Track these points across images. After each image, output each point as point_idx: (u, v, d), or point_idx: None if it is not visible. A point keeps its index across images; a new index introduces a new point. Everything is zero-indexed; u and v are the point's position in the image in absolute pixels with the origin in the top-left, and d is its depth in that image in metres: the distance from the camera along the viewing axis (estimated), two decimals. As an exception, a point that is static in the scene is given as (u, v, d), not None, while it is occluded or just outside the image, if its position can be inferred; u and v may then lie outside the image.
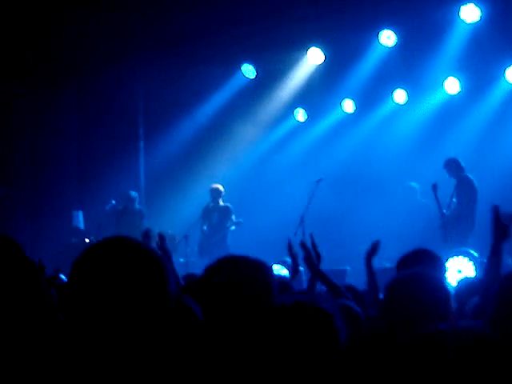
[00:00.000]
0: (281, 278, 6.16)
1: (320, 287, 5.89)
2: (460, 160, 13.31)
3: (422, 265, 3.91)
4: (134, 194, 15.73)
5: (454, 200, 13.10)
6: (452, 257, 12.02)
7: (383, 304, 3.60)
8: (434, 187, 12.89)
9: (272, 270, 3.48)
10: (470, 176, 13.14)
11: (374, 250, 5.85)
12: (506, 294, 3.44)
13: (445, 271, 5.35)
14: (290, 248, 6.23)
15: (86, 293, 2.24)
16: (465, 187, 13.03)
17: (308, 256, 5.67)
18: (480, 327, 3.02)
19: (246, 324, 3.12)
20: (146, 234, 6.75)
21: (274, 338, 2.92)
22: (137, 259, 2.29)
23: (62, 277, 7.61)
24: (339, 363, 2.94)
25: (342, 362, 2.96)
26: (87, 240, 15.09)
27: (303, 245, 5.73)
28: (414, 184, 14.97)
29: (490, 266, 5.02)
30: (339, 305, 4.13)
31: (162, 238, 6.69)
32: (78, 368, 2.21)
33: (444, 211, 12.90)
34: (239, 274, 3.29)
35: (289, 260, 11.70)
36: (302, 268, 10.42)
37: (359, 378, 3.20)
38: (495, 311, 3.43)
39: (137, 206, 15.72)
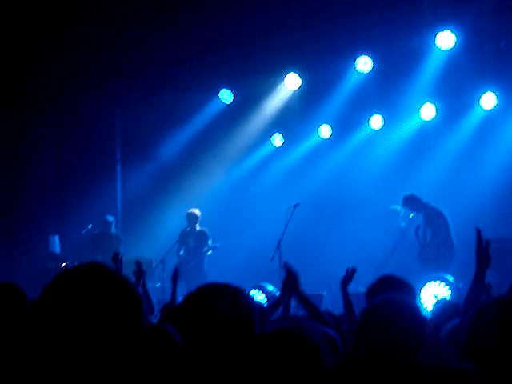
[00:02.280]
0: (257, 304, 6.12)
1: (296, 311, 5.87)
2: (415, 193, 13.47)
3: (391, 292, 3.84)
4: (110, 218, 15.67)
5: (428, 232, 13.19)
6: (428, 282, 12.07)
7: (358, 330, 3.59)
8: (417, 229, 13.05)
9: (252, 298, 3.47)
10: (435, 206, 13.25)
11: (349, 276, 5.86)
12: (479, 320, 3.44)
13: (415, 297, 5.23)
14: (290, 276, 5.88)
15: (54, 318, 2.20)
16: (435, 219, 13.14)
17: (290, 282, 5.59)
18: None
19: (230, 352, 3.10)
20: (115, 258, 6.72)
21: (260, 366, 2.92)
22: (109, 287, 2.26)
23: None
24: None
25: None
26: (64, 265, 15.00)
27: (287, 270, 5.63)
28: (398, 208, 14.96)
29: (472, 293, 4.84)
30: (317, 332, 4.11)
31: (138, 264, 6.68)
32: None
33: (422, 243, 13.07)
34: (221, 302, 3.27)
35: (266, 286, 11.72)
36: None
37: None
38: (468, 336, 3.44)
39: (113, 230, 15.66)
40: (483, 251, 4.89)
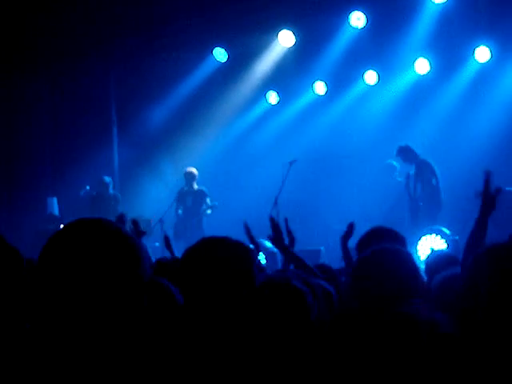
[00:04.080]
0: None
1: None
2: (411, 145, 13.61)
3: (381, 243, 3.86)
4: (107, 179, 15.68)
5: (419, 185, 13.31)
6: (424, 235, 12.19)
7: (351, 281, 3.65)
8: (407, 179, 13.17)
9: (252, 251, 3.52)
10: (427, 158, 13.37)
11: (349, 231, 5.91)
12: (477, 267, 3.44)
13: (406, 247, 5.19)
14: (248, 232, 6.10)
15: (56, 273, 2.22)
16: (426, 170, 13.27)
17: (277, 237, 5.64)
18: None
19: (228, 303, 3.17)
20: (120, 219, 6.73)
21: (251, 316, 3.00)
22: (112, 241, 2.28)
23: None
24: (311, 338, 3.03)
25: (314, 337, 3.05)
26: (62, 226, 15.06)
27: (273, 224, 5.68)
28: (394, 163, 15.03)
29: (474, 239, 4.68)
30: (312, 283, 4.18)
31: (135, 223, 6.68)
32: (51, 357, 2.21)
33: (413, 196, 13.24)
34: (221, 255, 3.33)
35: (264, 242, 11.82)
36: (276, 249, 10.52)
37: (333, 353, 3.26)
38: (465, 284, 3.44)
39: (111, 191, 15.67)
40: (489, 195, 4.77)
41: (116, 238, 2.31)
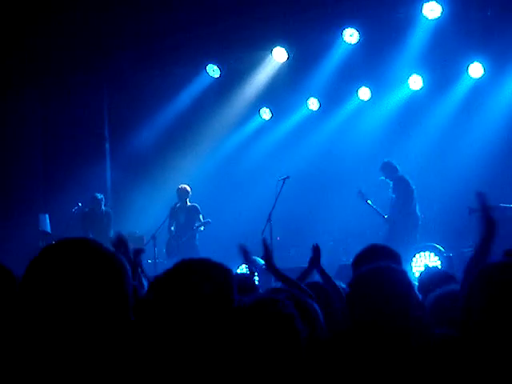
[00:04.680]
0: (246, 278, 6.13)
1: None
2: (393, 162, 13.72)
3: (376, 260, 3.80)
4: (100, 196, 15.63)
5: (394, 200, 13.39)
6: (418, 252, 12.17)
7: (347, 299, 3.61)
8: (360, 194, 13.31)
9: (232, 273, 3.46)
10: (405, 175, 13.44)
11: (316, 253, 5.85)
12: (480, 287, 3.38)
13: (401, 264, 5.10)
14: (245, 254, 6.08)
15: (39, 291, 2.23)
16: (403, 186, 13.36)
17: (267, 258, 5.61)
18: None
19: (205, 325, 3.10)
20: (120, 239, 6.58)
21: (234, 339, 2.93)
22: (94, 261, 2.29)
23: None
24: (301, 362, 2.98)
25: (304, 361, 2.99)
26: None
27: (265, 245, 5.66)
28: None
29: (476, 264, 4.19)
30: (304, 302, 4.11)
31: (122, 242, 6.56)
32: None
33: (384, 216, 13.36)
34: (195, 277, 3.27)
35: (257, 259, 11.77)
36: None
37: (324, 373, 3.22)
38: (465, 303, 3.39)
39: (103, 208, 15.63)
40: (489, 219, 4.43)
41: (98, 257, 2.31)
